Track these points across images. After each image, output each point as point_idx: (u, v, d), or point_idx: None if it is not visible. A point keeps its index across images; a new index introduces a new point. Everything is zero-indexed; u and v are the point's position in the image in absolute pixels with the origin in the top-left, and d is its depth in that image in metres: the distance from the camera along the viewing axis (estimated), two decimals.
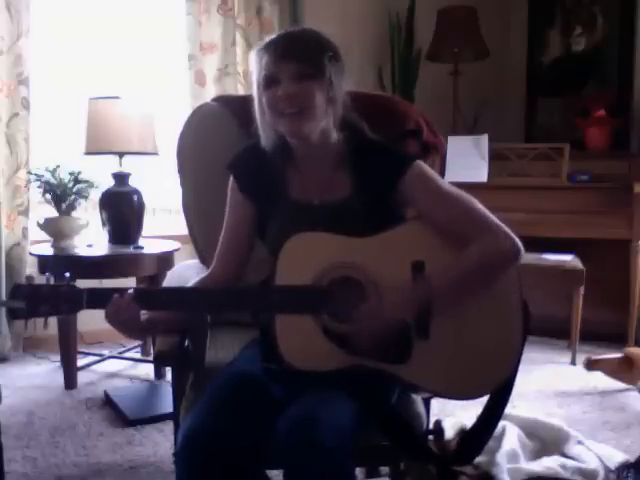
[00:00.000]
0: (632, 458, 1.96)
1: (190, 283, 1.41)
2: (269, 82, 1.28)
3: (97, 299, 1.24)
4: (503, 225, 1.28)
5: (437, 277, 1.23)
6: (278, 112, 1.28)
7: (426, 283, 1.23)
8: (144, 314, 1.25)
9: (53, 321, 2.69)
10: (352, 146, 1.36)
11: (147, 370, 2.95)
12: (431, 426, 1.52)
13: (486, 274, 1.26)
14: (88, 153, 2.80)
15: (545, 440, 2.08)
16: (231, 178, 1.43)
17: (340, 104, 1.33)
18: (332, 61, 1.29)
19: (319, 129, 1.31)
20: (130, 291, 1.24)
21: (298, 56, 1.26)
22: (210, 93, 3.39)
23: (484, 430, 1.36)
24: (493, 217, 1.28)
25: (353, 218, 1.31)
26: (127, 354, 3.15)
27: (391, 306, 1.21)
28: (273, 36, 1.31)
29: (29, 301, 1.22)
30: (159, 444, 2.17)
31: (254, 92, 1.33)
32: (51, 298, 1.23)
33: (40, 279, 1.31)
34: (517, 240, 1.26)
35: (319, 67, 1.27)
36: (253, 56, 1.32)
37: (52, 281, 1.25)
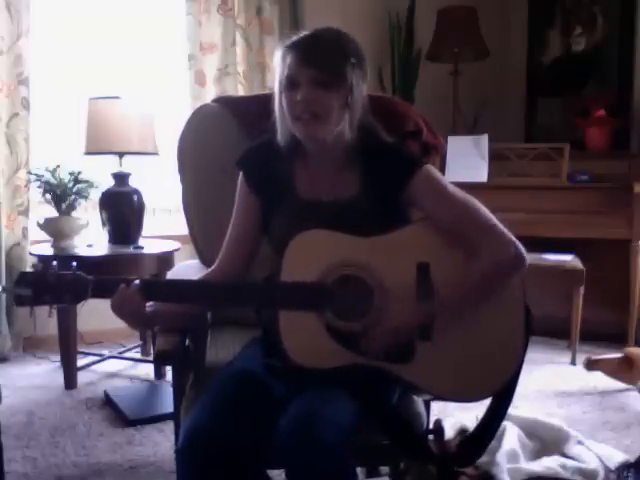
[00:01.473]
0: (632, 458, 1.96)
1: (196, 277, 1.42)
2: (290, 84, 1.28)
3: (103, 288, 1.24)
4: (508, 232, 1.28)
5: (442, 288, 1.24)
6: (295, 115, 1.28)
7: (431, 295, 1.24)
8: (149, 306, 1.26)
9: (53, 321, 2.69)
10: (363, 146, 1.37)
11: (147, 370, 2.95)
12: (431, 426, 1.52)
13: (490, 286, 1.27)
14: (88, 153, 2.80)
15: (545, 440, 2.08)
16: (240, 173, 1.43)
17: (359, 108, 1.33)
18: (355, 68, 1.29)
19: (334, 133, 1.31)
20: (136, 282, 1.24)
21: (319, 62, 1.26)
22: (210, 93, 3.39)
23: (486, 433, 1.36)
24: (498, 223, 1.29)
25: (360, 217, 1.32)
26: (127, 354, 3.15)
27: (396, 314, 1.22)
28: (300, 35, 1.31)
29: (35, 288, 1.22)
30: (159, 444, 2.17)
31: (275, 87, 1.33)
32: (57, 286, 1.23)
33: None
34: (522, 249, 1.27)
35: (340, 75, 1.27)
36: (278, 53, 1.32)
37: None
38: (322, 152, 1.36)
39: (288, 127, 1.34)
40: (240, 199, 1.44)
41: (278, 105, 1.34)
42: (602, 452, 2.01)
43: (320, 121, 1.27)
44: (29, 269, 1.29)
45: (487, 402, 1.33)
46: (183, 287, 1.29)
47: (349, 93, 1.29)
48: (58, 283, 1.23)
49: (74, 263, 1.26)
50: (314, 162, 1.38)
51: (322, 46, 1.29)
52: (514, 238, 1.28)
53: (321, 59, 1.26)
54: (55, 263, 1.26)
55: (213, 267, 1.45)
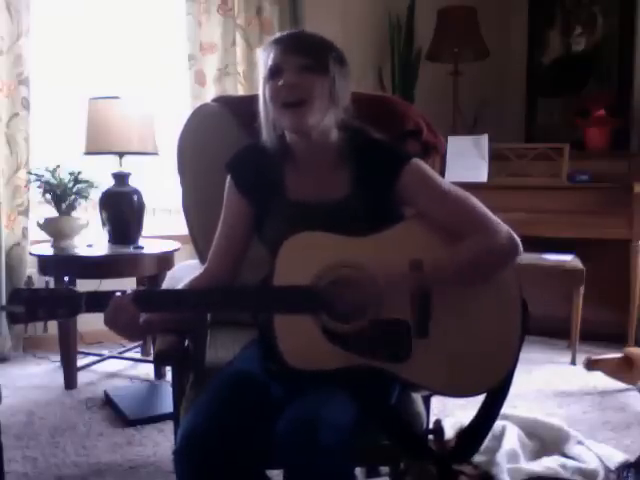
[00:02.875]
0: (632, 458, 1.96)
1: (185, 281, 1.41)
2: (273, 73, 1.29)
3: (96, 302, 1.24)
4: (500, 222, 1.29)
5: (435, 261, 1.24)
6: (280, 103, 1.28)
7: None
8: (142, 316, 1.25)
9: (53, 321, 2.69)
10: (352, 145, 1.37)
11: (147, 370, 2.95)
12: (431, 426, 1.52)
13: (483, 262, 1.26)
14: (88, 153, 2.80)
15: (545, 440, 2.08)
16: (228, 177, 1.43)
17: (342, 106, 1.33)
18: (337, 63, 1.31)
19: (320, 127, 1.31)
20: (129, 293, 1.23)
21: (303, 50, 1.28)
22: (210, 93, 3.39)
23: (480, 429, 1.36)
24: (491, 214, 1.29)
25: (351, 217, 1.31)
26: (127, 354, 3.15)
27: (390, 312, 1.22)
28: (283, 33, 1.34)
29: (28, 305, 1.22)
30: (159, 444, 2.17)
31: (259, 88, 1.34)
32: (50, 302, 1.22)
33: (40, 279, 1.31)
34: (515, 236, 1.27)
35: (322, 63, 1.29)
36: (260, 52, 1.34)
37: (52, 284, 1.25)
38: (310, 152, 1.36)
39: (273, 124, 1.34)
40: (229, 202, 1.43)
41: (262, 102, 1.34)
42: (602, 452, 2.01)
43: (305, 107, 1.27)
44: (23, 283, 1.28)
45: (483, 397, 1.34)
46: (177, 296, 1.29)
47: (332, 85, 1.30)
48: (51, 299, 1.23)
49: (66, 278, 1.26)
50: (303, 164, 1.38)
51: (304, 37, 1.34)
52: (507, 227, 1.28)
53: (304, 46, 1.29)
54: (47, 279, 1.26)
55: (201, 271, 1.45)
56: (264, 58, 1.31)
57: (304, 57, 1.27)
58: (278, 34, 1.34)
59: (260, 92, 1.34)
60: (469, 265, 1.25)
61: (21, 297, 1.22)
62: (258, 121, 1.37)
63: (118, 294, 1.22)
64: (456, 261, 1.25)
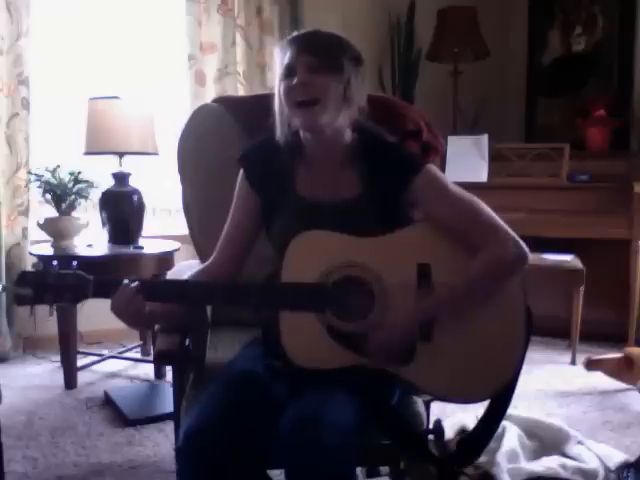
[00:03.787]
0: (632, 458, 1.96)
1: (190, 272, 1.42)
2: (288, 72, 1.29)
3: (104, 289, 1.24)
4: (511, 231, 1.28)
5: (442, 288, 1.24)
6: (292, 101, 1.29)
7: (431, 294, 1.24)
8: (148, 305, 1.25)
9: (53, 321, 2.69)
10: (364, 146, 1.37)
11: (147, 370, 2.95)
12: (431, 426, 1.52)
13: (491, 286, 1.26)
14: (88, 153, 2.80)
15: (545, 440, 2.08)
16: (241, 170, 1.44)
17: (356, 106, 1.33)
18: (352, 63, 1.31)
19: (333, 126, 1.31)
20: (136, 282, 1.24)
21: (317, 50, 1.28)
22: (210, 93, 3.39)
23: (484, 433, 1.36)
24: (501, 222, 1.29)
25: (361, 218, 1.32)
26: (127, 354, 3.15)
27: (395, 316, 1.22)
28: (301, 31, 1.34)
29: (35, 288, 1.22)
30: (159, 444, 2.17)
31: (275, 86, 1.35)
32: (57, 285, 1.23)
33: None
34: (524, 247, 1.27)
35: (336, 64, 1.29)
36: (277, 50, 1.34)
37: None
38: (322, 151, 1.36)
39: (287, 122, 1.34)
40: (240, 196, 1.43)
41: (277, 100, 1.34)
42: (602, 452, 2.01)
43: (317, 106, 1.27)
44: (30, 268, 1.28)
45: (486, 402, 1.33)
46: (183, 287, 1.29)
47: (347, 85, 1.29)
48: (58, 282, 1.23)
49: (74, 262, 1.26)
50: (315, 162, 1.38)
51: (321, 37, 1.32)
52: (517, 237, 1.28)
53: (318, 47, 1.29)
54: (56, 263, 1.26)
55: (208, 263, 1.45)
56: (280, 57, 1.32)
57: (317, 57, 1.27)
58: (295, 32, 1.34)
59: (276, 90, 1.34)
60: (476, 288, 1.25)
61: (29, 279, 1.23)
62: (272, 118, 1.37)
63: (126, 282, 1.23)
64: (464, 283, 1.25)
